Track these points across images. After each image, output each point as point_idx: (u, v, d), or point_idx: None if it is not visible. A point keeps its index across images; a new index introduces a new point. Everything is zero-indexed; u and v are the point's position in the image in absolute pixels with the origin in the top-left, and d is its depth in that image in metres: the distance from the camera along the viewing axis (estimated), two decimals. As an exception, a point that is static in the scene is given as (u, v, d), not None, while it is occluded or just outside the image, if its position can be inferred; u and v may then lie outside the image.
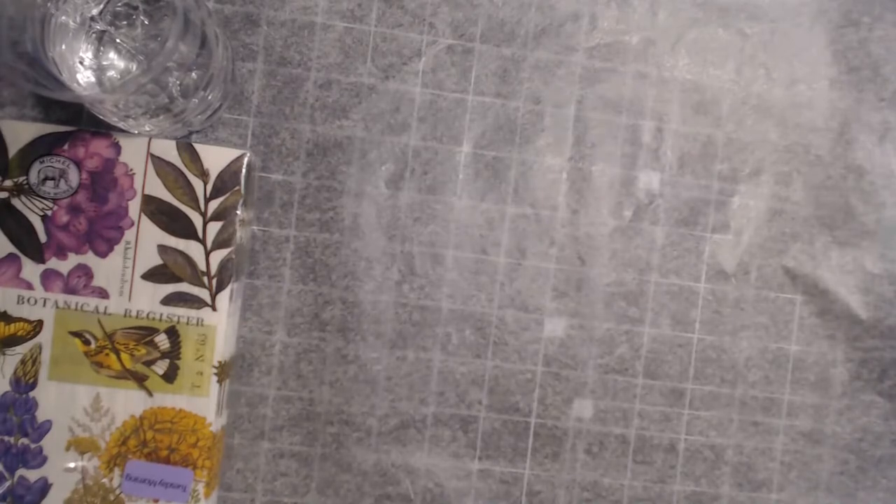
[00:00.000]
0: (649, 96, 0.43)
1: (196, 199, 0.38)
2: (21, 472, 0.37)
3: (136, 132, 0.38)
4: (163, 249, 0.38)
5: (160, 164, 0.38)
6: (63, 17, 0.35)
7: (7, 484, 0.37)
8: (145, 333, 0.38)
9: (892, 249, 0.44)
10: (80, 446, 0.38)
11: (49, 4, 0.34)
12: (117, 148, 0.38)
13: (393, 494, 0.42)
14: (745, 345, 0.43)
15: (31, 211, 0.38)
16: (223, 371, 0.39)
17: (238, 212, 0.38)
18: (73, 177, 0.38)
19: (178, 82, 0.35)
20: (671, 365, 0.43)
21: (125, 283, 0.38)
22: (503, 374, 0.42)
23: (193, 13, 0.33)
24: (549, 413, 0.42)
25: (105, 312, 0.38)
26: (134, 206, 0.38)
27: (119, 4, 0.36)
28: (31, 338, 0.37)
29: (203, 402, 0.38)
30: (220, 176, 0.38)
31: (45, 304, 0.38)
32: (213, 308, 0.38)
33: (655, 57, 0.43)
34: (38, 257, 0.38)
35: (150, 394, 0.38)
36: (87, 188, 0.38)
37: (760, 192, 0.43)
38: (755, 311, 0.43)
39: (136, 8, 0.36)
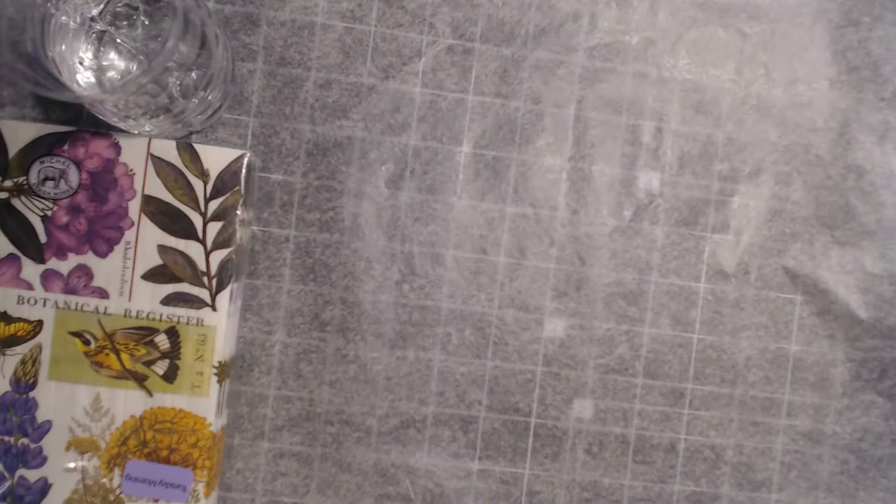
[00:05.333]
0: (649, 96, 0.43)
1: (196, 200, 0.38)
2: (21, 472, 0.37)
3: (136, 132, 0.38)
4: (163, 249, 0.38)
5: (160, 165, 0.38)
6: (63, 17, 0.35)
7: (7, 484, 0.37)
8: (145, 333, 0.38)
9: (892, 249, 0.44)
10: (80, 446, 0.38)
11: (49, 4, 0.34)
12: (117, 148, 0.38)
13: (393, 494, 0.42)
14: (745, 345, 0.43)
15: (31, 211, 0.38)
16: (223, 371, 0.39)
17: (238, 212, 0.38)
18: (73, 177, 0.38)
19: (178, 82, 0.35)
20: (671, 365, 0.43)
21: (125, 283, 0.38)
22: (503, 374, 0.42)
23: (193, 13, 0.33)
24: (549, 413, 0.42)
25: (105, 312, 0.38)
26: (134, 207, 0.38)
27: (119, 5, 0.36)
28: (31, 338, 0.38)
29: (203, 403, 0.38)
30: (220, 176, 0.38)
31: (45, 304, 0.38)
32: (213, 308, 0.38)
33: (655, 57, 0.43)
34: (38, 257, 0.38)
35: (150, 394, 0.38)
36: (87, 188, 0.38)
37: (760, 192, 0.43)
38: (755, 311, 0.43)
39: (136, 8, 0.36)
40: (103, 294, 0.38)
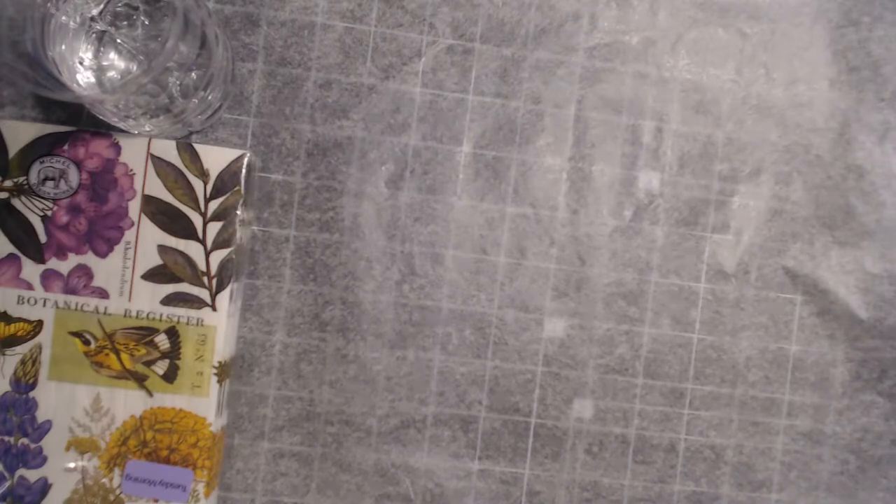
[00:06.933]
0: (649, 96, 0.43)
1: (196, 200, 0.38)
2: (21, 472, 0.37)
3: (136, 132, 0.38)
4: (163, 249, 0.38)
5: (160, 165, 0.38)
6: (63, 17, 0.35)
7: (7, 484, 0.37)
8: (145, 333, 0.38)
9: (892, 249, 0.44)
10: (80, 446, 0.38)
11: (49, 4, 0.34)
12: (117, 148, 0.38)
13: (393, 494, 0.42)
14: (745, 345, 0.43)
15: (31, 211, 0.38)
16: (223, 371, 0.39)
17: (238, 212, 0.38)
18: (73, 177, 0.38)
19: (178, 82, 0.35)
20: (671, 365, 0.43)
21: (125, 283, 0.38)
22: (503, 374, 0.42)
23: (193, 13, 0.33)
24: (549, 413, 0.42)
25: (105, 312, 0.38)
26: (134, 207, 0.38)
27: (119, 4, 0.36)
28: (31, 338, 0.38)
29: (203, 403, 0.38)
30: (220, 176, 0.38)
31: (45, 304, 0.38)
32: (213, 308, 0.38)
33: (655, 57, 0.43)
34: (38, 257, 0.38)
35: (150, 394, 0.38)
36: (87, 188, 0.38)
37: (760, 192, 0.43)
38: (755, 311, 0.43)
39: (136, 8, 0.36)
40: (103, 294, 0.38)
